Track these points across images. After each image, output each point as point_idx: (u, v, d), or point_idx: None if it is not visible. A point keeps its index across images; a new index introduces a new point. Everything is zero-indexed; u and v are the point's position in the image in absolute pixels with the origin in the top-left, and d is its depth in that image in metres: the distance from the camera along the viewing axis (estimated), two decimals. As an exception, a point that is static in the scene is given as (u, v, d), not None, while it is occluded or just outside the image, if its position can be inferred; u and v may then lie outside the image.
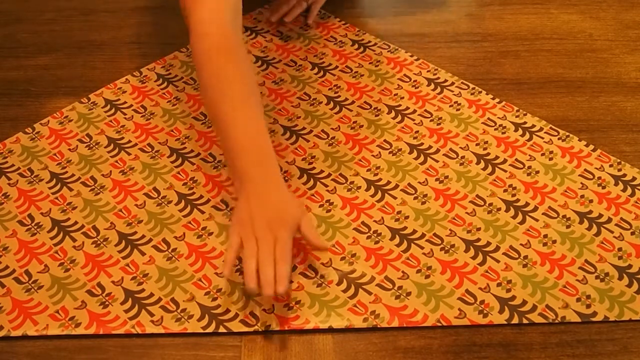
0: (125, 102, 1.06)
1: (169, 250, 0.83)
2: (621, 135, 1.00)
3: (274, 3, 1.25)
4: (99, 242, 0.84)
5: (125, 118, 1.03)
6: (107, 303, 0.77)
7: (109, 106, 1.05)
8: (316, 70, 1.12)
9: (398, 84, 1.09)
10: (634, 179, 0.92)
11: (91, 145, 0.98)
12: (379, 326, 0.75)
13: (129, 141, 0.99)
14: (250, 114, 0.84)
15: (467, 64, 1.14)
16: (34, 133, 1.00)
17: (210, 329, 0.75)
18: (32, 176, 0.93)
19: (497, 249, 0.83)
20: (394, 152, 0.96)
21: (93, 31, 1.21)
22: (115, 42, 1.20)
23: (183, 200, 0.89)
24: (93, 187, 0.91)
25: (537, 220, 0.87)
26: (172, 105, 1.05)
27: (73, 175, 0.93)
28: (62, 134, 1.00)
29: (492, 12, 1.28)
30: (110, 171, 0.94)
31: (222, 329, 0.75)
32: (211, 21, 0.88)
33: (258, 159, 0.81)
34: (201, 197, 0.90)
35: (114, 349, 0.74)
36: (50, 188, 0.91)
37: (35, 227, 0.86)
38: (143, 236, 0.85)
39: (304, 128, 1.01)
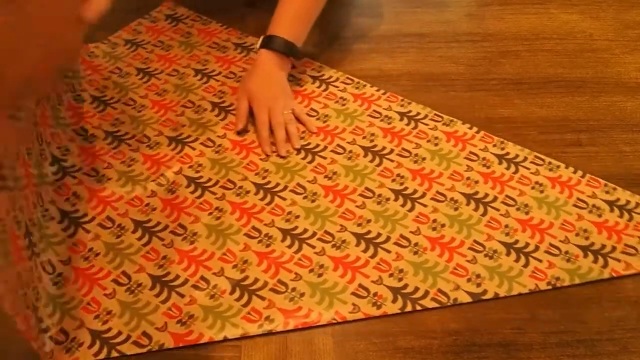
0: (143, 40, 1.19)
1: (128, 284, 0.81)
2: (621, 135, 1.00)
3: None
4: (87, 256, 0.84)
5: (146, 52, 1.16)
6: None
7: (129, 44, 1.18)
8: None
9: (369, 122, 1.03)
10: (516, 156, 0.95)
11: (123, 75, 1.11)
12: (273, 331, 0.75)
13: (156, 69, 1.12)
14: None
15: (467, 64, 1.14)
16: None
17: (101, 356, 0.73)
18: None
19: (387, 239, 0.84)
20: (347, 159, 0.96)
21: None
22: None
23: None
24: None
25: (425, 205, 0.89)
26: (186, 38, 1.20)
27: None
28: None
29: (492, 12, 1.28)
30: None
31: (114, 354, 0.73)
32: None
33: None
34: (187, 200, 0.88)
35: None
36: None
37: None
38: (131, 245, 0.84)
39: (278, 184, 0.93)
